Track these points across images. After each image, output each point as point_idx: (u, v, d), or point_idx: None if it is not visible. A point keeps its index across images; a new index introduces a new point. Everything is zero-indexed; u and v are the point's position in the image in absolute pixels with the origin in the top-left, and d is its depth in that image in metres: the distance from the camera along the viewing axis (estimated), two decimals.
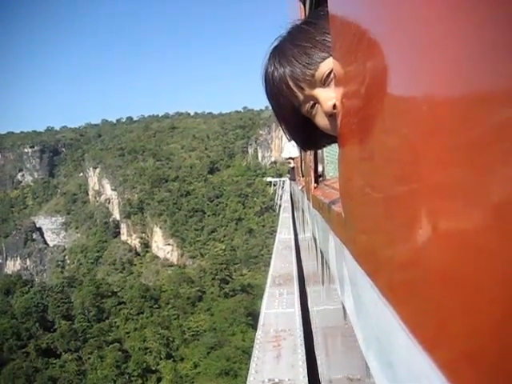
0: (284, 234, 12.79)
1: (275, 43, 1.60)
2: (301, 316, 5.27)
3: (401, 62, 0.64)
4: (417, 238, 0.58)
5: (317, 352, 4.14)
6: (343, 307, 1.54)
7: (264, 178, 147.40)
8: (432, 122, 0.51)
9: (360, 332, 1.16)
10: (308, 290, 5.61)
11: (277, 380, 3.55)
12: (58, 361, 71.04)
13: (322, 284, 2.80)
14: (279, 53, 1.55)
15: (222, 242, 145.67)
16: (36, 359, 68.97)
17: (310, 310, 5.24)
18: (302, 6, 3.04)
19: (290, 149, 14.56)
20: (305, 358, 4.00)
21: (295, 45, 1.52)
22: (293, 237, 11.68)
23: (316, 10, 1.80)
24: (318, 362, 3.98)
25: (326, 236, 2.08)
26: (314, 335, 4.51)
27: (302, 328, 4.71)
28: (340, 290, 1.62)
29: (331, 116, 1.47)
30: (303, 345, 4.33)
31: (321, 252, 2.78)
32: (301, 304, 5.25)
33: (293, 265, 7.99)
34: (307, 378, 3.52)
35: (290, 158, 16.01)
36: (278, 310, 5.50)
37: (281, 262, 8.49)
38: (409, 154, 0.62)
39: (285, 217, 17.79)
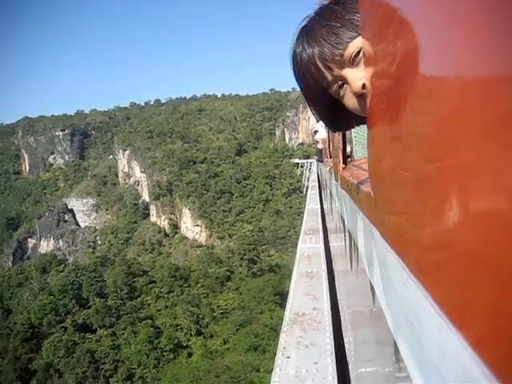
0: (312, 205, 13.87)
1: (303, 23, 1.60)
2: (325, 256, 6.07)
3: (431, 40, 0.63)
4: (447, 218, 0.58)
5: (345, 333, 4.16)
6: (371, 287, 1.56)
7: (291, 160, 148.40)
8: (463, 100, 0.51)
9: (389, 312, 1.15)
10: (335, 269, 5.68)
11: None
12: (94, 336, 73.79)
13: (350, 264, 2.81)
14: (307, 33, 1.56)
15: (250, 223, 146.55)
16: (73, 334, 71.94)
17: (337, 289, 5.44)
18: None
19: (322, 129, 14.93)
20: (332, 336, 4.00)
21: (323, 25, 1.52)
22: (319, 207, 12.83)
23: None
24: (346, 341, 4.04)
25: (355, 216, 2.14)
26: (341, 313, 4.55)
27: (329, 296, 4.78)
28: (368, 270, 1.64)
29: (360, 96, 1.46)
30: (331, 325, 4.30)
31: (349, 232, 2.82)
32: (329, 284, 5.22)
33: (319, 224, 9.43)
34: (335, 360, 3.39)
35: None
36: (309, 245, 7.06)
37: (310, 222, 9.97)
38: (439, 133, 0.61)
39: (312, 193, 18.44)
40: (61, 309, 78.37)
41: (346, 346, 4.01)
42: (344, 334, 4.16)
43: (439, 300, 0.64)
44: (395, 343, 1.07)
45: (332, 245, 6.31)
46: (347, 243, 3.02)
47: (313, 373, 3.00)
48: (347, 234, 2.98)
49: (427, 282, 0.72)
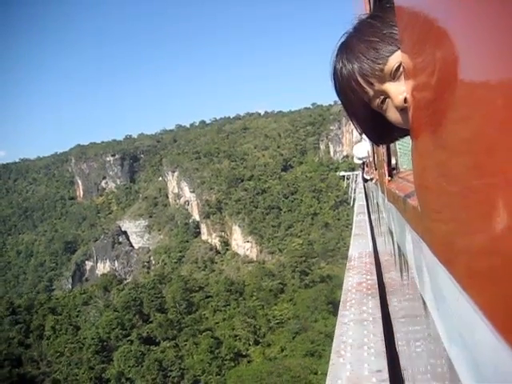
0: (360, 216, 14.98)
1: (342, 39, 1.59)
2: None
3: (471, 52, 0.62)
4: (496, 230, 0.55)
5: (398, 343, 3.92)
6: (422, 300, 1.52)
7: (337, 173, 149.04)
8: (506, 111, 0.50)
9: (442, 327, 1.12)
10: (386, 281, 5.51)
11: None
12: (158, 348, 77.69)
13: (401, 276, 2.74)
14: (346, 49, 1.55)
15: (299, 236, 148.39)
16: (139, 346, 75.99)
17: (388, 301, 5.22)
18: (367, 0, 3.13)
19: (360, 151, 15.51)
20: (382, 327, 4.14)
21: (362, 40, 1.51)
22: (367, 218, 13.92)
23: (381, 3, 1.84)
24: (399, 350, 3.83)
25: (403, 229, 2.12)
26: (394, 328, 4.31)
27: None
28: (419, 284, 1.61)
29: (402, 110, 1.44)
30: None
31: (398, 245, 2.79)
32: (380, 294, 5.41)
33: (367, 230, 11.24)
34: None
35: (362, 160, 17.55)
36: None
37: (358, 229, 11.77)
38: (484, 142, 0.60)
39: (360, 205, 19.32)
40: (126, 323, 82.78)
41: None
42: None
43: (492, 316, 0.61)
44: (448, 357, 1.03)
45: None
46: (396, 256, 2.98)
47: None
48: (396, 246, 2.96)
49: (480, 300, 0.68)
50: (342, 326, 4.50)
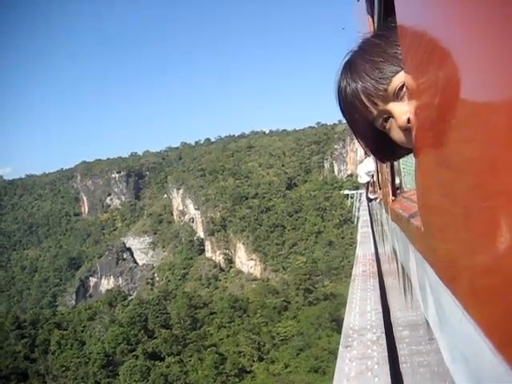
0: (364, 229, 16.39)
1: (346, 58, 1.61)
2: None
3: (473, 72, 0.62)
4: (500, 250, 0.55)
5: (401, 364, 3.90)
6: (426, 321, 1.52)
7: (341, 191, 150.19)
8: (509, 131, 0.50)
9: (446, 349, 1.10)
10: (390, 301, 5.70)
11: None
12: (163, 363, 78.18)
13: (405, 297, 2.72)
14: (351, 68, 1.56)
15: (303, 254, 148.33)
16: (145, 361, 76.52)
17: (384, 282, 6.05)
18: (371, 18, 3.14)
19: (364, 171, 15.64)
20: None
21: (366, 60, 1.52)
22: (370, 230, 15.26)
23: (385, 22, 1.83)
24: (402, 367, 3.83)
25: (407, 250, 2.10)
26: (397, 342, 4.34)
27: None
28: (423, 304, 1.60)
29: (406, 130, 1.44)
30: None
31: (402, 265, 2.77)
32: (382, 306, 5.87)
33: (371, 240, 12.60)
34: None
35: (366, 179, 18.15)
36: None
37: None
38: (486, 163, 0.59)
39: (364, 220, 20.63)
40: (132, 338, 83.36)
41: None
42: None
43: (496, 340, 0.61)
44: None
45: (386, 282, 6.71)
46: (400, 276, 3.00)
47: None
48: (400, 266, 2.96)
49: (483, 321, 0.68)
50: (352, 288, 7.35)
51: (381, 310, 5.84)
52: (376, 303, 6.14)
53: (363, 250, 12.18)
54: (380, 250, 9.44)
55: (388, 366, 4.12)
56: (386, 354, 4.39)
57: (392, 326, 4.97)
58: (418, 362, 2.38)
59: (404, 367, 3.55)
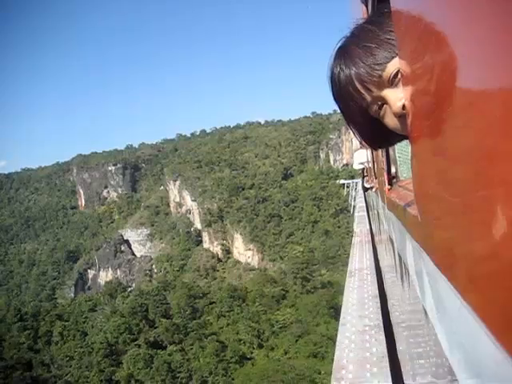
0: (360, 213, 17.88)
1: (339, 44, 1.56)
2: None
3: (469, 58, 0.62)
4: (497, 238, 0.55)
5: (399, 348, 4.00)
6: (424, 309, 1.52)
7: (337, 181, 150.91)
8: (505, 117, 0.49)
9: (444, 337, 1.11)
10: (387, 291, 5.75)
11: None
12: (165, 351, 79.52)
13: (402, 286, 2.71)
14: (344, 54, 1.52)
15: (300, 244, 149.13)
16: (147, 350, 77.81)
17: (378, 253, 6.78)
18: (364, 7, 3.16)
19: (361, 156, 16.12)
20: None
21: (360, 45, 1.48)
22: (366, 214, 17.02)
23: (379, 8, 1.78)
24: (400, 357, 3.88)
25: (403, 239, 2.10)
26: (395, 330, 4.43)
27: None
28: (420, 293, 1.60)
29: (401, 116, 1.42)
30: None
31: (399, 254, 2.76)
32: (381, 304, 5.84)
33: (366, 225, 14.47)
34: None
35: (362, 166, 17.48)
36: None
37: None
38: (483, 151, 0.59)
39: (360, 206, 21.66)
40: (133, 328, 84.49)
41: None
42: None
43: (493, 327, 0.61)
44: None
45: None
46: (397, 265, 2.99)
47: None
48: (397, 255, 2.95)
49: (481, 309, 0.68)
50: (352, 258, 9.43)
51: (373, 259, 8.77)
52: (370, 258, 8.89)
53: (360, 227, 15.02)
54: (374, 229, 11.55)
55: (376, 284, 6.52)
56: (376, 286, 6.53)
57: (381, 271, 7.16)
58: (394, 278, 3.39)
59: (387, 281, 4.85)
